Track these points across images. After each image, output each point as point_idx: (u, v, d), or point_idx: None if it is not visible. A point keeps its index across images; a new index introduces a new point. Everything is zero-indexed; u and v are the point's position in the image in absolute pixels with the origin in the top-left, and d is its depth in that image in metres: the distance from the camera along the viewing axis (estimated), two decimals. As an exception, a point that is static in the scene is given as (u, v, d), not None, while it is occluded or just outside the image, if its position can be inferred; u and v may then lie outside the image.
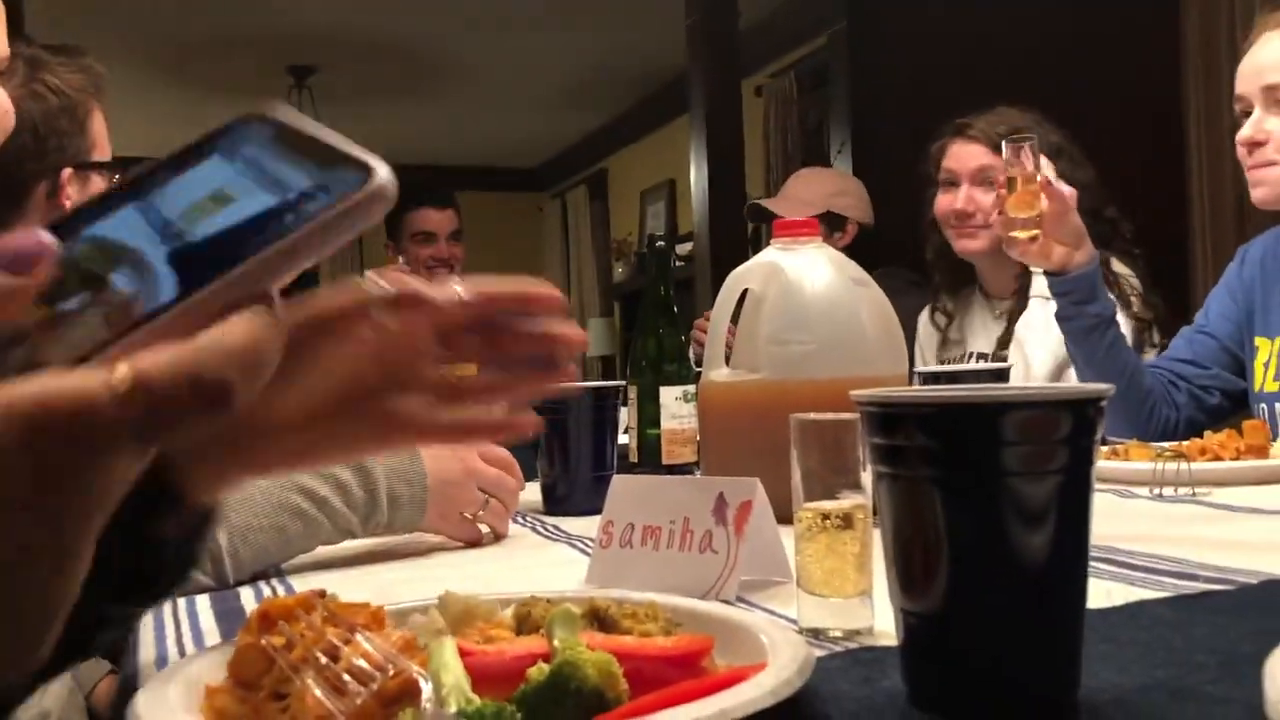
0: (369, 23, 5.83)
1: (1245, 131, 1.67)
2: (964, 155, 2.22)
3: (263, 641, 0.50)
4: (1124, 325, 1.96)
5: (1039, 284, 2.05)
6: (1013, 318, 2.17)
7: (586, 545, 1.07)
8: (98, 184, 1.66)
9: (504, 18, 5.78)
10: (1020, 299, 2.17)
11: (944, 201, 2.25)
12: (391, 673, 0.47)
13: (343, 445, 0.59)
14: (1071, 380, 1.92)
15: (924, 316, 2.42)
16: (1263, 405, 1.71)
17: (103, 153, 1.66)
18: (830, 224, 2.77)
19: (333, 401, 0.54)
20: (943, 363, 2.31)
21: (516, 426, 0.59)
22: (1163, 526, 1.06)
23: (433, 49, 6.26)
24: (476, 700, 0.47)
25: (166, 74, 6.23)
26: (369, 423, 0.56)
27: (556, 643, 0.51)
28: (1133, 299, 2.05)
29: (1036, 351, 2.04)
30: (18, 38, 1.47)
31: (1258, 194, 1.69)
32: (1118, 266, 2.08)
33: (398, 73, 6.65)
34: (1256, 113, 1.66)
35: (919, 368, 1.94)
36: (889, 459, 0.56)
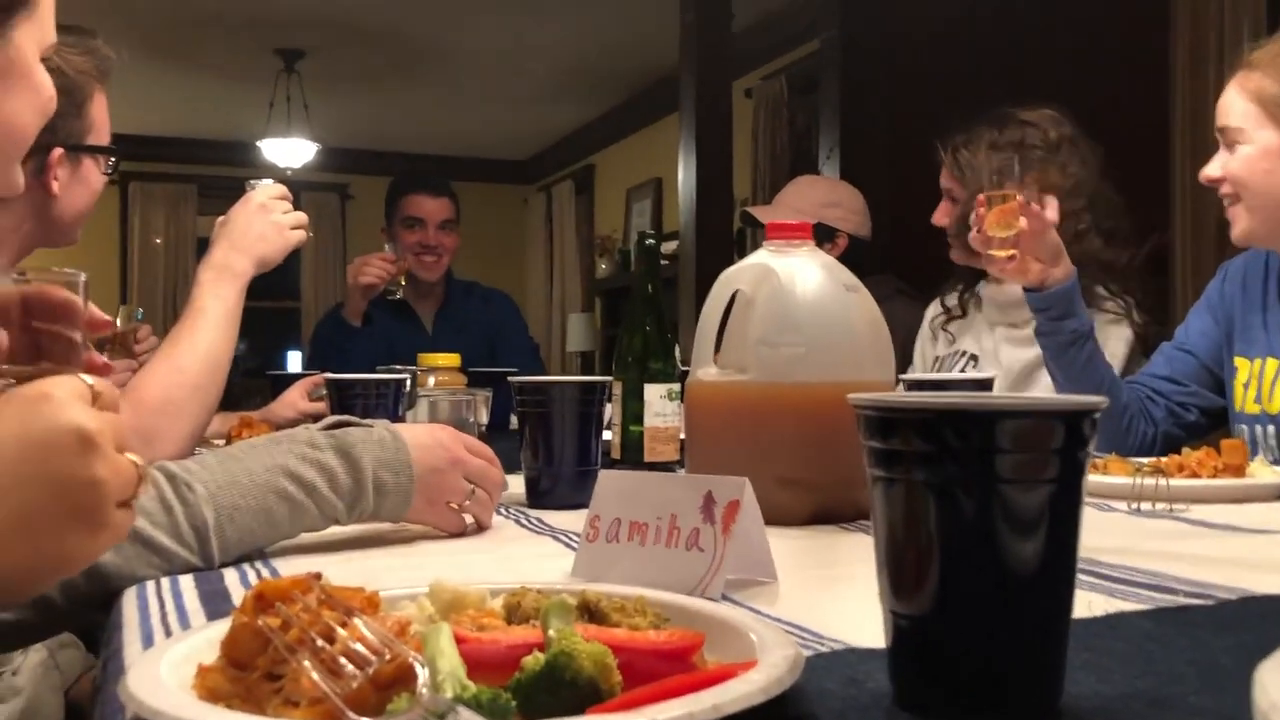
0: (360, 7, 5.80)
1: (1205, 170, 1.70)
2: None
3: (259, 622, 0.51)
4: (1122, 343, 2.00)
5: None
6: None
7: (570, 539, 1.07)
8: (89, 167, 1.65)
9: (496, 8, 5.76)
10: None
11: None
12: (388, 657, 0.48)
13: None
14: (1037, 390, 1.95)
15: (931, 310, 2.43)
16: (1242, 426, 1.73)
17: (99, 137, 1.64)
18: (820, 234, 2.78)
19: None
20: (938, 361, 2.33)
21: None
22: (1141, 540, 1.07)
23: (423, 36, 6.24)
24: (472, 687, 0.47)
25: (152, 52, 6.18)
26: None
27: (552, 633, 0.52)
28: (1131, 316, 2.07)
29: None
30: None
31: (1232, 233, 1.73)
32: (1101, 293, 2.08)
33: (387, 59, 6.62)
34: (1220, 151, 1.69)
35: (905, 375, 1.96)
36: (885, 462, 0.57)
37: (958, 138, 2.20)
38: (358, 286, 2.96)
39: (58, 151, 1.57)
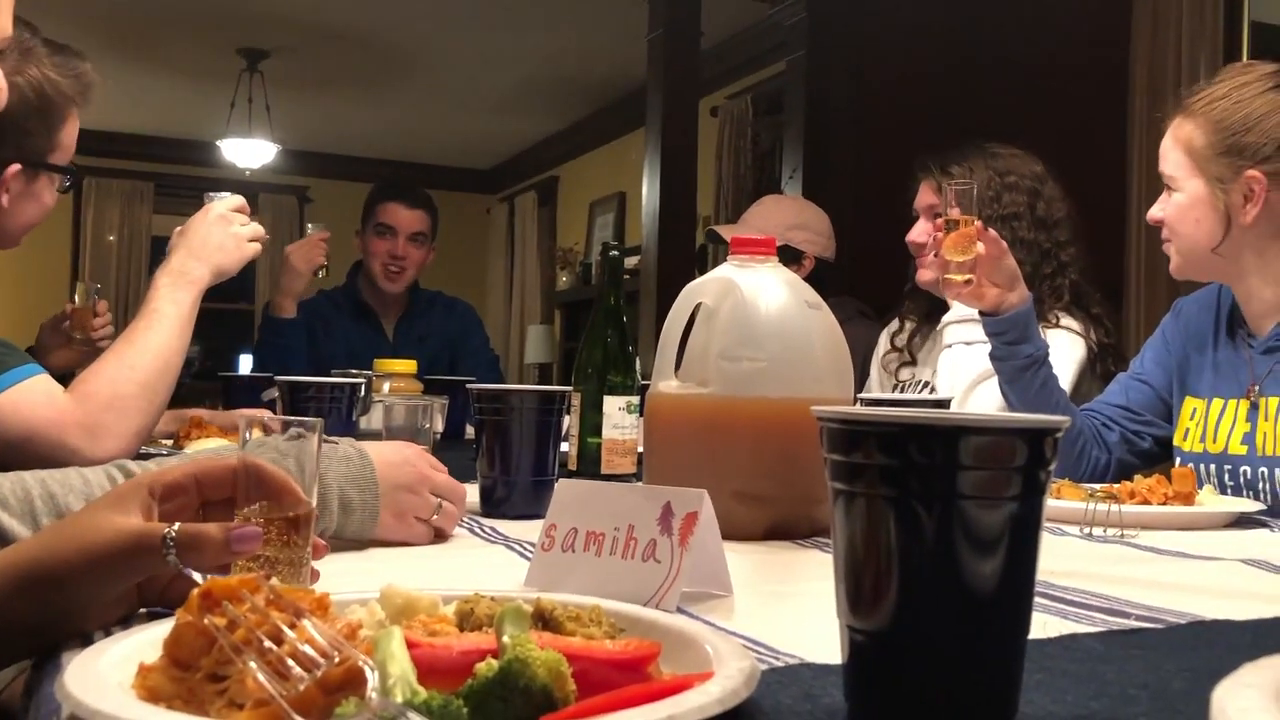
0: (326, 10, 5.75)
1: (1150, 211, 1.77)
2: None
3: (204, 621, 0.49)
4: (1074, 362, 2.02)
5: (952, 333, 2.10)
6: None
7: (524, 549, 1.06)
8: (44, 183, 1.61)
9: (464, 16, 5.75)
10: None
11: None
12: (337, 660, 0.46)
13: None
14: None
15: (883, 344, 2.44)
16: (1178, 460, 1.75)
17: (62, 158, 1.62)
18: (787, 256, 2.78)
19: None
20: (897, 386, 2.34)
21: None
22: (1094, 564, 1.08)
23: (389, 42, 6.21)
24: (423, 692, 0.46)
25: (112, 47, 6.10)
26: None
27: (506, 639, 0.51)
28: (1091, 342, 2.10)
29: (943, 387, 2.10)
30: (24, 25, 1.44)
31: (1170, 267, 1.79)
32: (1067, 323, 2.10)
33: (352, 63, 6.58)
34: (1164, 193, 1.74)
35: (863, 394, 1.96)
36: (847, 476, 0.57)
37: (949, 155, 2.21)
38: (309, 272, 2.86)
39: (15, 167, 1.54)
